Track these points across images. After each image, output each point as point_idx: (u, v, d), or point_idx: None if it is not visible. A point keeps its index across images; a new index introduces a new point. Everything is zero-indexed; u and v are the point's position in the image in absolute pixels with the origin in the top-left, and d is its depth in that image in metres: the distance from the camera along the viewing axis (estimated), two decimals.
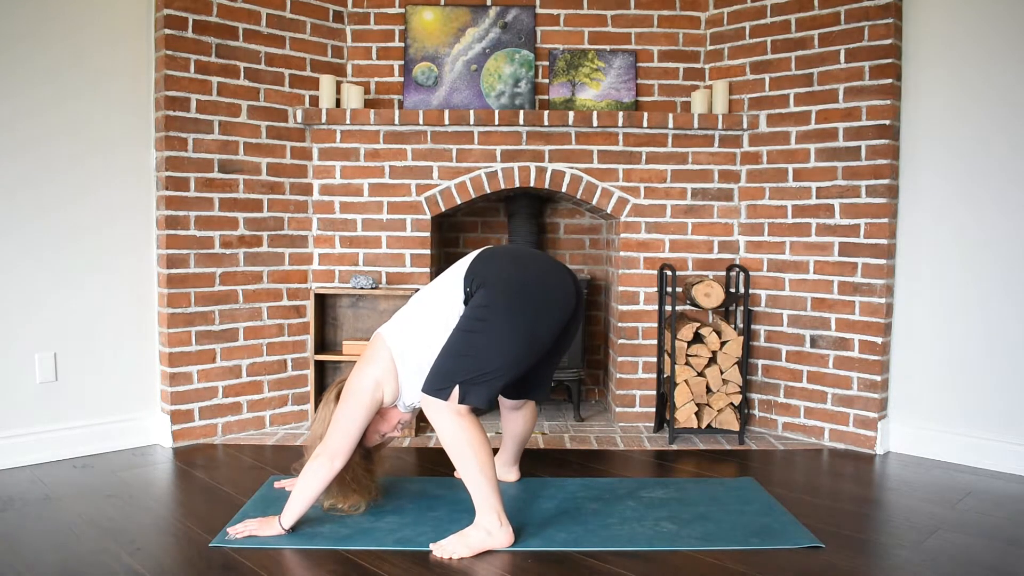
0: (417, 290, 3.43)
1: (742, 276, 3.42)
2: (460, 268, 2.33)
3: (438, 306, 2.30)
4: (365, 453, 2.40)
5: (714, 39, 3.64)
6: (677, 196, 3.60)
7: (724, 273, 3.60)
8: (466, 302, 2.25)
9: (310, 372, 3.48)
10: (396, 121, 3.47)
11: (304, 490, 2.21)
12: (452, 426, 2.14)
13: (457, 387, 2.14)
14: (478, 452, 2.13)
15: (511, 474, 2.77)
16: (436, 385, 2.16)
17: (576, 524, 2.37)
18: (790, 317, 3.46)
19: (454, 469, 2.86)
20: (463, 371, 2.14)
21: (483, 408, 2.19)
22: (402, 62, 3.65)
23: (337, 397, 2.34)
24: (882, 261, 3.19)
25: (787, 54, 3.40)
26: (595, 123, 3.51)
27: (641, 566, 2.09)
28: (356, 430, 2.22)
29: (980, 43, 3.00)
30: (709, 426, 3.37)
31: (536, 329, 2.22)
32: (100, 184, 3.07)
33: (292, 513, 2.23)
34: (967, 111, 3.04)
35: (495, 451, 2.85)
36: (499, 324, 2.16)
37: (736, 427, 3.32)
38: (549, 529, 2.33)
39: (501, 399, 2.61)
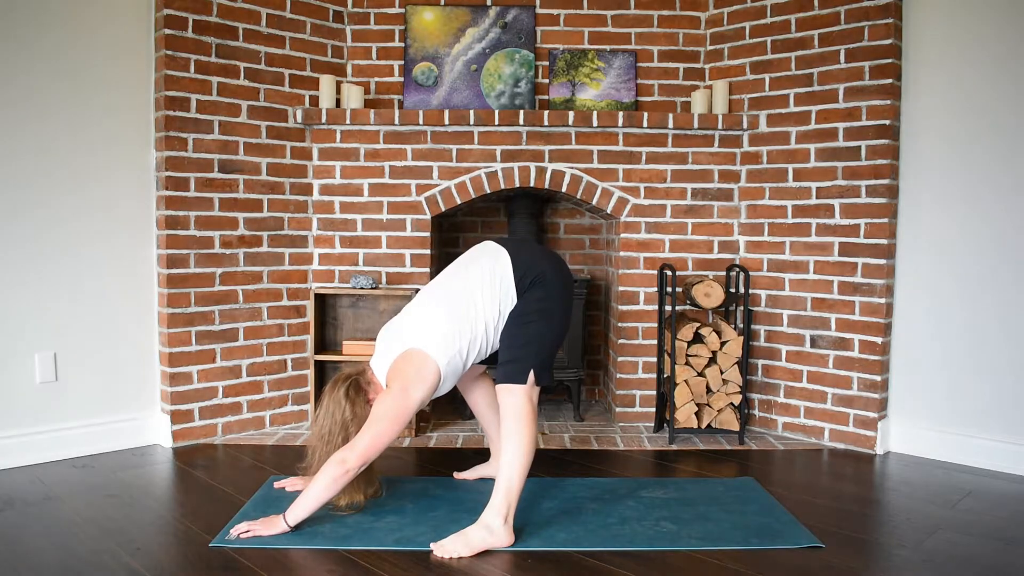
0: (417, 290, 3.43)
1: (742, 276, 3.42)
2: (494, 268, 2.36)
3: (481, 310, 2.34)
4: None
5: (714, 39, 3.64)
6: (677, 196, 3.60)
7: (724, 273, 3.60)
8: (519, 293, 2.38)
9: (310, 372, 3.48)
10: (396, 121, 3.47)
11: (318, 494, 2.21)
12: (524, 409, 2.29)
13: (532, 371, 2.31)
14: (531, 442, 2.27)
15: None
16: (515, 373, 2.31)
17: (576, 524, 2.37)
18: (790, 317, 3.46)
19: (454, 469, 2.87)
20: (532, 356, 2.32)
21: (550, 384, 2.45)
22: (402, 62, 3.65)
23: (347, 393, 2.34)
24: (882, 261, 3.19)
25: (787, 54, 3.40)
26: (595, 123, 3.51)
27: (641, 566, 2.10)
28: (388, 443, 2.27)
29: (980, 43, 3.00)
30: (709, 426, 3.37)
31: (569, 307, 2.47)
32: (100, 184, 3.07)
33: (300, 512, 2.23)
34: (967, 111, 3.04)
35: (488, 455, 2.87)
36: (554, 312, 2.38)
37: (736, 427, 3.32)
38: (549, 529, 2.33)
39: (471, 377, 2.71)
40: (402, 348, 2.33)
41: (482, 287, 2.34)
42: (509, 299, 2.35)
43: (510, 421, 2.27)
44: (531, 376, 2.30)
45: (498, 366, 2.35)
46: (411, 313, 2.41)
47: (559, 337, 2.42)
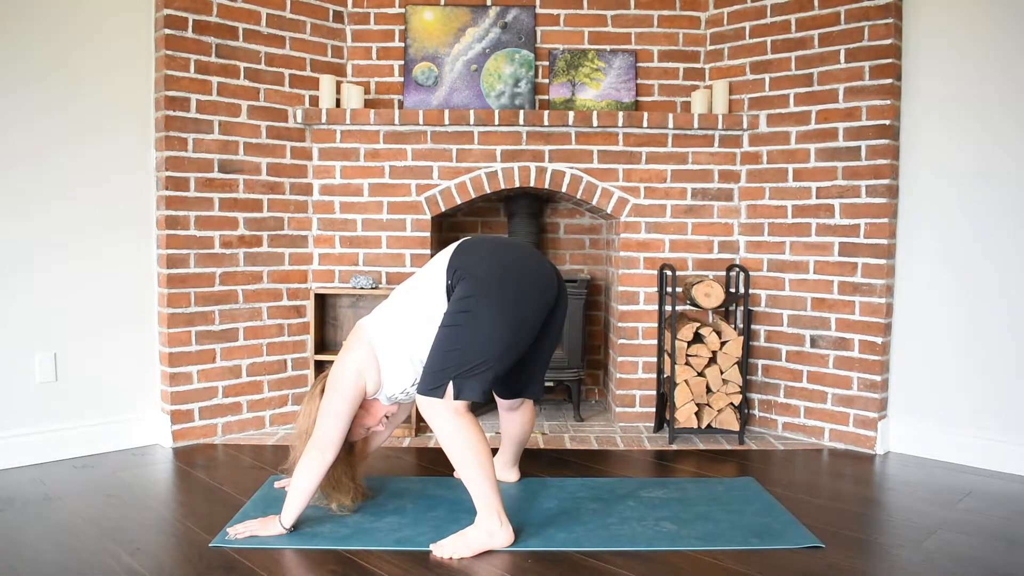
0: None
1: (742, 276, 3.42)
2: (441, 260, 2.31)
3: (419, 298, 2.29)
4: (348, 448, 2.39)
5: (714, 39, 3.64)
6: (677, 196, 3.60)
7: (724, 273, 3.60)
8: (448, 293, 2.24)
9: (310, 372, 3.48)
10: (396, 121, 3.47)
11: (299, 487, 2.21)
12: (450, 425, 2.13)
13: (451, 383, 2.13)
14: (477, 452, 2.13)
15: (511, 474, 2.77)
16: (430, 385, 2.15)
17: (576, 524, 2.37)
18: (790, 317, 3.46)
19: (454, 469, 2.87)
20: (455, 366, 2.13)
21: (479, 400, 2.17)
22: (402, 62, 3.65)
23: (322, 392, 2.33)
24: (882, 261, 3.19)
25: (787, 54, 3.40)
26: (595, 123, 3.51)
27: (641, 566, 2.09)
28: (343, 421, 2.22)
29: (980, 42, 3.00)
30: (709, 426, 3.37)
31: (521, 314, 2.20)
32: (100, 184, 3.07)
33: (291, 511, 2.23)
34: (967, 110, 3.04)
35: (494, 452, 2.85)
36: (484, 314, 2.15)
37: (736, 427, 3.32)
38: (549, 529, 2.33)
39: (498, 400, 2.61)
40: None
41: (422, 275, 2.32)
42: (440, 289, 2.25)
43: (442, 441, 2.15)
44: (449, 390, 2.12)
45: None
46: None
47: (497, 344, 2.14)
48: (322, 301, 3.55)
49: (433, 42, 3.63)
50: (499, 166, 3.56)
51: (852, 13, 3.20)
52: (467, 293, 2.17)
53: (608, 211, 3.61)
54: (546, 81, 3.68)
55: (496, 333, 2.15)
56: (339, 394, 2.22)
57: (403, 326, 2.27)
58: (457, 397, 2.13)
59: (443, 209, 3.58)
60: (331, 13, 3.59)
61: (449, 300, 2.22)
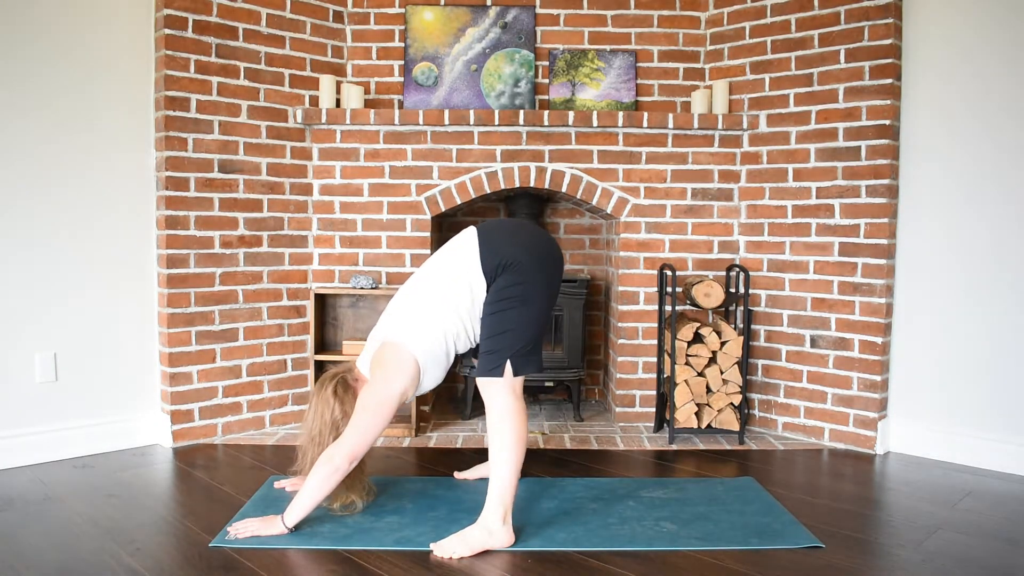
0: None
1: (742, 276, 3.42)
2: (462, 255, 2.33)
3: (451, 297, 2.30)
4: None
5: (714, 39, 3.64)
6: (677, 196, 3.60)
7: (724, 273, 3.60)
8: (489, 285, 2.32)
9: (310, 372, 3.48)
10: (396, 121, 3.47)
11: (313, 491, 2.21)
12: (505, 405, 2.24)
13: (509, 362, 2.24)
14: (517, 441, 2.21)
15: None
16: (489, 366, 2.26)
17: (576, 524, 2.37)
18: (790, 317, 3.46)
19: (454, 469, 2.87)
20: (509, 346, 2.25)
21: (537, 372, 2.35)
22: (402, 62, 3.65)
23: (335, 392, 2.34)
24: (882, 261, 3.19)
25: (787, 54, 3.40)
26: (595, 123, 3.51)
27: (641, 566, 2.10)
28: (376, 436, 2.27)
29: (980, 42, 3.00)
30: (709, 426, 3.37)
31: (551, 289, 2.37)
32: (100, 184, 3.07)
33: (297, 513, 2.23)
34: (967, 111, 3.04)
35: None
36: (530, 297, 2.28)
37: (736, 427, 3.32)
38: (549, 529, 2.33)
39: None
40: (380, 342, 2.36)
41: (452, 276, 2.33)
42: (480, 287, 2.31)
43: (493, 418, 2.25)
44: (508, 368, 2.25)
45: (478, 357, 2.32)
46: (389, 309, 2.42)
47: (540, 321, 2.32)
48: (322, 301, 3.55)
49: (433, 42, 3.63)
50: (499, 166, 3.57)
51: (852, 13, 3.20)
52: (514, 281, 2.28)
53: (608, 211, 3.61)
54: (546, 81, 3.69)
55: (539, 313, 2.31)
56: (382, 416, 2.25)
57: (439, 330, 2.30)
58: (517, 373, 2.26)
59: (443, 209, 3.58)
60: (331, 13, 3.59)
61: (492, 285, 2.30)
